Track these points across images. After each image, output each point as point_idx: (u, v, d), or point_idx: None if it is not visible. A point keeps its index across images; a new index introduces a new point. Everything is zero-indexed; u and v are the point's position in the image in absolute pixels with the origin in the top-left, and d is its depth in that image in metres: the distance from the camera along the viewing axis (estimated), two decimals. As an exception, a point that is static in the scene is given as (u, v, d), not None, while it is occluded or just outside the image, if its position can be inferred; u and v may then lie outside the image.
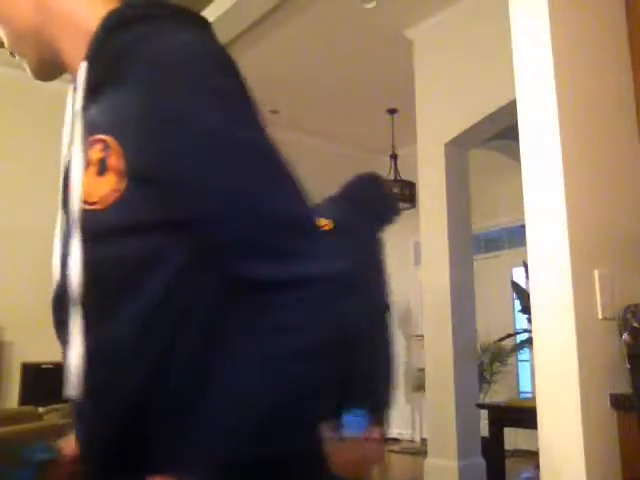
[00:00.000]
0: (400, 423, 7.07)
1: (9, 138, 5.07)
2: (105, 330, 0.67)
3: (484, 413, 3.49)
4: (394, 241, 7.40)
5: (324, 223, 2.11)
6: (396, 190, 5.71)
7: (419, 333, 5.91)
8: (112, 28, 0.70)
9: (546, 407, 1.60)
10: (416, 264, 6.79)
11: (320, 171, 6.98)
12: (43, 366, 4.69)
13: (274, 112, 6.17)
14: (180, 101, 0.65)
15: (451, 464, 3.93)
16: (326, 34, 4.70)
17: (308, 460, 0.66)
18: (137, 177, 0.65)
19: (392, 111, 5.99)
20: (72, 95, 0.79)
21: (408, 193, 5.75)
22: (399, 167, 5.97)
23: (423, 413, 6.45)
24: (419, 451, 5.96)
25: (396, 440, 6.89)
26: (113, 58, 0.68)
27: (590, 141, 1.74)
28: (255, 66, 5.20)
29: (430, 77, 4.43)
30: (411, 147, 4.81)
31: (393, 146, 6.05)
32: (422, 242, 4.42)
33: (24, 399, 4.52)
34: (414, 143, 4.48)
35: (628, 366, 1.58)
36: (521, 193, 1.73)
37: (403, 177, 5.84)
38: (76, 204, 0.68)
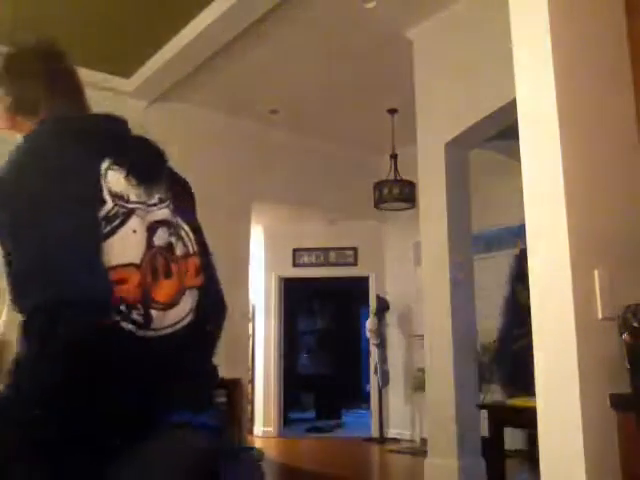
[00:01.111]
0: (400, 423, 7.07)
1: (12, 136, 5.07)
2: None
3: (484, 413, 3.49)
4: (394, 241, 7.43)
5: None
6: (396, 190, 5.72)
7: (419, 333, 5.91)
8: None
9: (546, 407, 1.60)
10: (416, 264, 6.79)
11: (320, 171, 6.99)
12: (43, 366, 4.69)
13: (274, 112, 6.17)
14: None
15: (451, 464, 3.93)
16: (326, 34, 4.70)
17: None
18: None
19: (392, 111, 5.99)
20: None
21: (408, 193, 5.75)
22: (399, 167, 5.97)
23: (423, 413, 6.44)
24: (419, 451, 5.96)
25: (396, 440, 6.89)
26: None
27: (590, 141, 1.74)
28: (255, 66, 5.20)
29: (430, 77, 4.43)
30: (411, 147, 4.81)
31: (393, 146, 6.05)
32: (422, 242, 4.42)
33: (24, 399, 4.51)
34: (414, 143, 4.48)
35: (628, 366, 1.58)
36: (521, 193, 1.74)
37: (403, 177, 5.84)
38: None
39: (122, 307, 0.99)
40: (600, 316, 1.60)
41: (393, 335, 7.29)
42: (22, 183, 1.01)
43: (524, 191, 1.73)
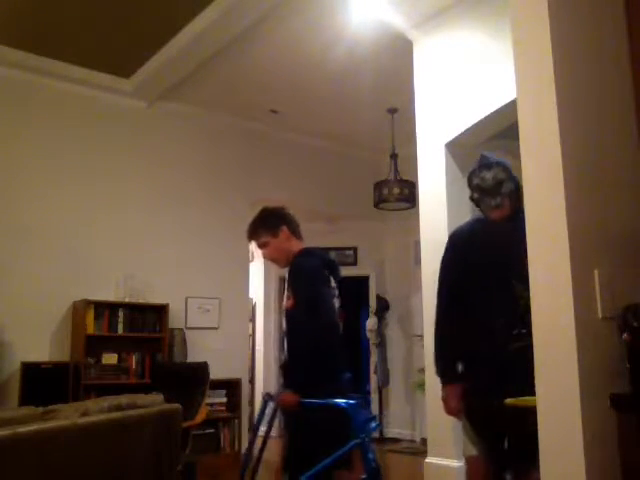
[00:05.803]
0: (400, 423, 7.07)
1: (13, 136, 5.07)
2: None
3: (484, 413, 3.48)
4: (394, 241, 7.42)
5: None
6: (396, 190, 5.71)
7: (419, 333, 5.91)
8: (295, 257, 2.89)
9: (546, 407, 1.60)
10: (416, 264, 6.78)
11: (320, 171, 6.99)
12: (43, 366, 4.69)
13: (274, 112, 6.17)
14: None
15: (451, 464, 3.93)
16: (326, 34, 4.69)
17: None
18: None
19: (392, 111, 5.99)
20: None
21: (408, 193, 5.75)
22: (399, 167, 5.97)
23: (423, 413, 6.44)
24: (419, 451, 5.96)
25: (396, 440, 6.89)
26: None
27: (590, 141, 1.74)
28: (255, 66, 5.20)
29: (430, 77, 4.42)
30: (411, 147, 4.80)
31: (393, 146, 6.05)
32: (422, 242, 4.41)
33: (24, 399, 4.51)
34: (414, 143, 4.47)
35: (628, 366, 1.58)
36: (521, 193, 1.73)
37: (403, 177, 5.84)
38: None
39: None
40: (600, 316, 1.60)
41: (393, 335, 7.29)
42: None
43: (524, 191, 1.73)
